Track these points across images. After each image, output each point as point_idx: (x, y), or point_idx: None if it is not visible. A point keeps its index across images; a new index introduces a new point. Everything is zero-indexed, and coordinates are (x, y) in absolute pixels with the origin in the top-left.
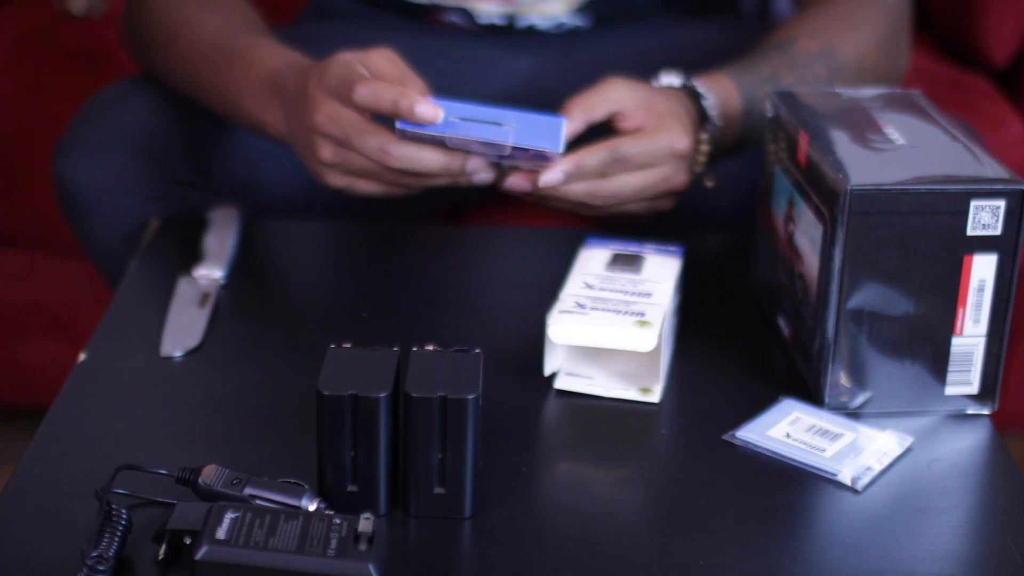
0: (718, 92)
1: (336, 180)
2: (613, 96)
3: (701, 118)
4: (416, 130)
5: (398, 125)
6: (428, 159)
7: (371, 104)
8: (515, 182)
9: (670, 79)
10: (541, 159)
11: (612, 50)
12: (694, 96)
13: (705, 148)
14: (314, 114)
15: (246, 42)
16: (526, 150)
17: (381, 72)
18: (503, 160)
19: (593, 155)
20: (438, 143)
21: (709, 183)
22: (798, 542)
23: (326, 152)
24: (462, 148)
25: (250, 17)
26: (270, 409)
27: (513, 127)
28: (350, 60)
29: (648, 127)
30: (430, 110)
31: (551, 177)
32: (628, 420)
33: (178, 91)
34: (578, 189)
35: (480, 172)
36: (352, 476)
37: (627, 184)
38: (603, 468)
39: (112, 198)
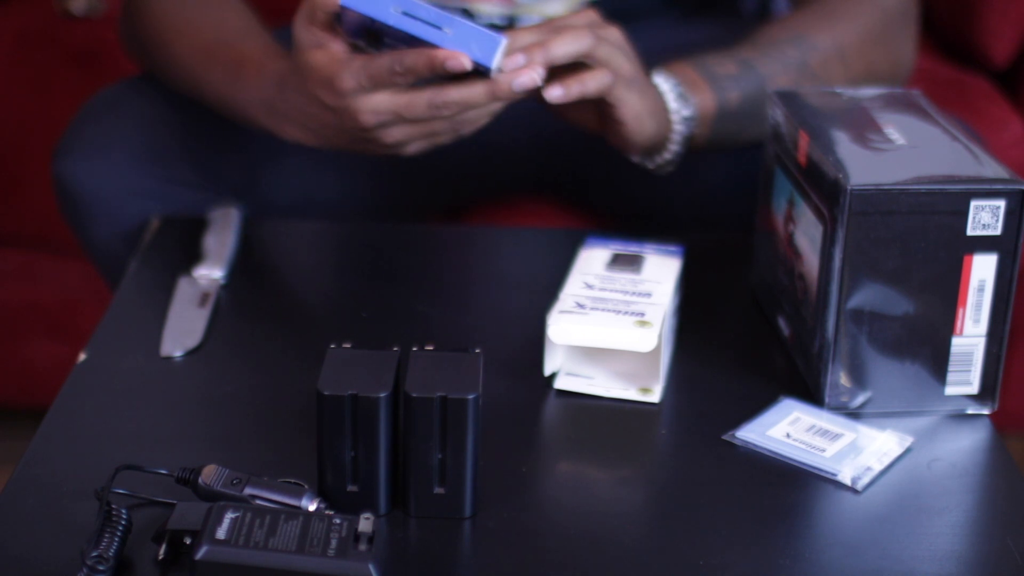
0: (663, 66)
1: (411, 149)
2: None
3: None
4: (357, 10)
5: (342, 2)
6: (476, 93)
7: (412, 74)
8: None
9: None
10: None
11: None
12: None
13: (675, 107)
14: (358, 119)
15: (238, 53)
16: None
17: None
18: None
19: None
20: (375, 31)
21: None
22: (798, 542)
23: (388, 137)
24: (393, 39)
25: (248, 17)
26: (270, 409)
27: (451, 34)
28: (313, 50)
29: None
30: (456, 62)
31: (514, 61)
32: (628, 420)
33: (181, 92)
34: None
35: (520, 80)
36: (352, 476)
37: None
38: (603, 468)
39: (112, 198)
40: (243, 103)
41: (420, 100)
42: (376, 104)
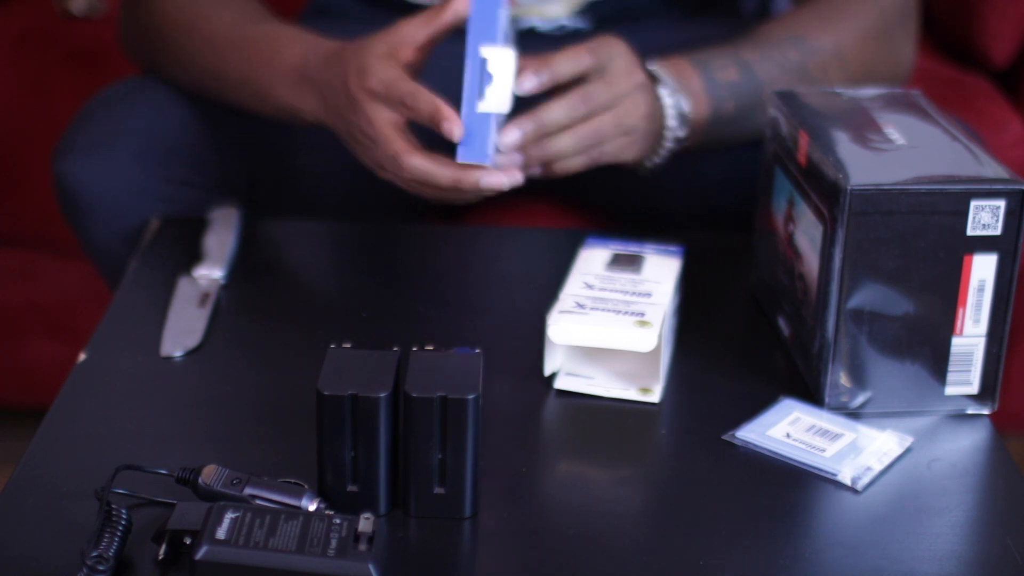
0: (667, 65)
1: (384, 175)
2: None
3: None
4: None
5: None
6: (439, 175)
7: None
8: (507, 137)
9: None
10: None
11: None
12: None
13: (672, 113)
14: (358, 115)
15: (268, 29)
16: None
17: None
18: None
19: (551, 107)
20: None
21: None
22: (798, 542)
23: (376, 153)
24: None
25: (261, 8)
26: (270, 409)
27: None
28: (387, 58)
29: (596, 51)
30: (496, 180)
31: (508, 138)
32: (628, 420)
33: (193, 87)
34: (568, 143)
35: (489, 179)
36: (352, 476)
37: (604, 122)
38: (603, 468)
39: (112, 198)
40: (271, 75)
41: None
42: (378, 116)
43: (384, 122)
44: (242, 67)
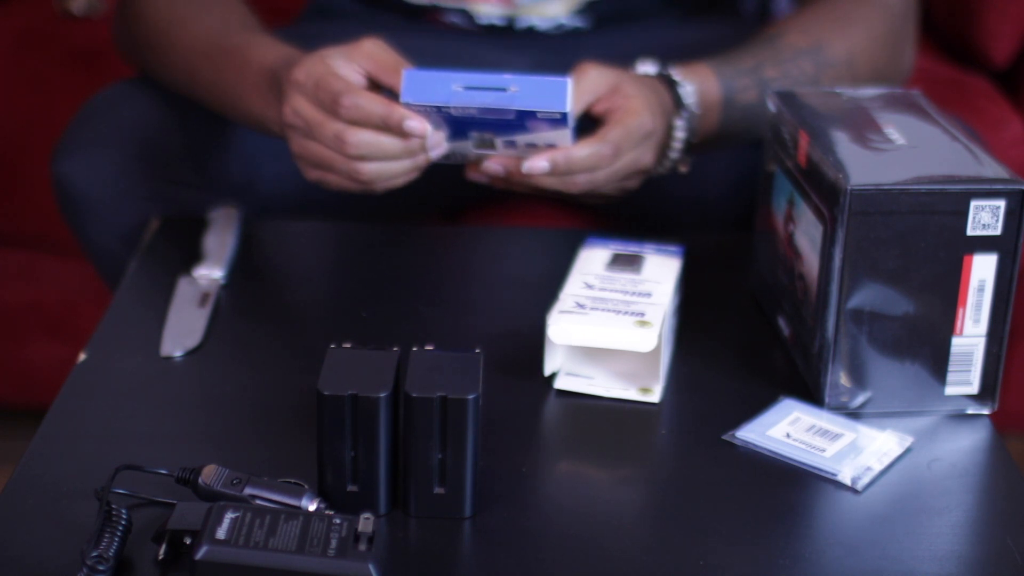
0: (695, 80)
1: (310, 174)
2: (587, 87)
3: (677, 105)
4: (421, 102)
5: (402, 99)
6: (386, 144)
7: (359, 119)
8: (489, 166)
9: (645, 68)
10: (549, 126)
11: (612, 51)
12: (670, 84)
13: (681, 135)
14: (283, 107)
15: (243, 39)
16: (533, 114)
17: (375, 60)
18: (508, 146)
19: (583, 149)
20: (443, 115)
21: (683, 168)
22: (798, 542)
23: (295, 145)
24: (467, 119)
25: (245, 15)
26: (270, 409)
27: (517, 91)
28: (328, 55)
29: (616, 110)
30: (418, 124)
31: (536, 165)
32: (628, 420)
33: (175, 91)
34: (554, 181)
35: (437, 148)
36: (352, 476)
37: (600, 173)
38: (603, 468)
39: (112, 198)
40: (242, 85)
41: (330, 126)
42: (297, 104)
43: (311, 108)
44: (214, 77)
